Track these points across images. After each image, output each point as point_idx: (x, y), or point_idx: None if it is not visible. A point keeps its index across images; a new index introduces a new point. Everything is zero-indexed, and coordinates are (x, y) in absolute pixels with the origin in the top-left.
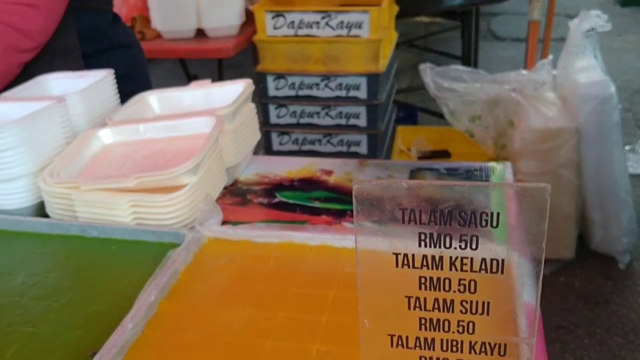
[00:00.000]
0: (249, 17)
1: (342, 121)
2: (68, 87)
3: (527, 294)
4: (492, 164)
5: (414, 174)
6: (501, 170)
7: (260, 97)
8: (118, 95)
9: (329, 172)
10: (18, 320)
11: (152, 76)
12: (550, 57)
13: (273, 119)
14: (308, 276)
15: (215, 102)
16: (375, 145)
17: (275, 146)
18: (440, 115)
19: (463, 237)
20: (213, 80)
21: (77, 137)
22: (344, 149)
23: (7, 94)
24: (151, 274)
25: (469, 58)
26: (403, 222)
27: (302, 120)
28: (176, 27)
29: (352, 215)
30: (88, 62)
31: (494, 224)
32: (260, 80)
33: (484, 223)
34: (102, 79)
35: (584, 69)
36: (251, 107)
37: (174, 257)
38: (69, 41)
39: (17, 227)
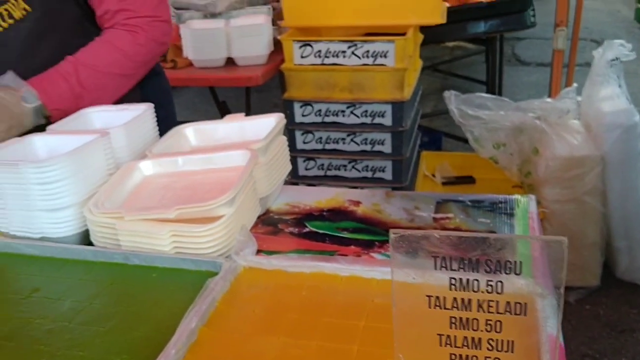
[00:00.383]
0: (277, 46)
1: (367, 147)
2: (109, 120)
3: (550, 327)
4: (517, 196)
5: (439, 205)
6: (525, 203)
7: (287, 124)
8: (157, 128)
9: (357, 203)
10: (67, 344)
11: (182, 100)
12: (575, 85)
13: (299, 145)
14: (339, 306)
15: (249, 134)
16: (400, 171)
17: (301, 171)
18: (465, 140)
19: (489, 283)
20: (240, 106)
21: (120, 168)
22: (369, 174)
23: (54, 126)
24: (190, 301)
25: (493, 83)
26: (435, 268)
27: (327, 146)
28: (207, 57)
29: (380, 246)
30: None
31: (518, 271)
32: (287, 107)
33: (508, 270)
34: (143, 113)
35: (609, 98)
36: (283, 140)
37: (212, 286)
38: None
39: (64, 255)
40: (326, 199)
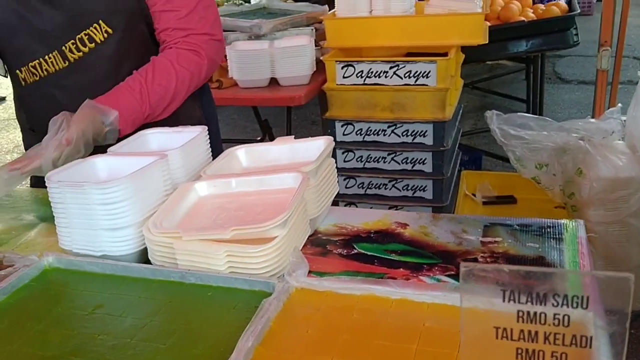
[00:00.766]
0: (320, 66)
1: (408, 166)
2: (166, 141)
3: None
4: (565, 221)
5: (487, 228)
6: (574, 228)
7: None
8: (210, 149)
9: (404, 225)
10: None
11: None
12: (619, 105)
13: (340, 163)
14: (390, 329)
15: (298, 156)
16: (440, 190)
17: (342, 189)
18: (505, 159)
19: (557, 316)
20: (280, 123)
21: (177, 189)
22: (409, 193)
23: (114, 148)
24: (244, 320)
25: (534, 101)
26: (504, 300)
27: (368, 165)
28: (251, 77)
29: (428, 269)
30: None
31: (585, 305)
32: (328, 126)
33: (575, 305)
34: (198, 135)
35: None
36: (331, 162)
37: (266, 306)
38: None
39: (124, 272)
40: (373, 221)
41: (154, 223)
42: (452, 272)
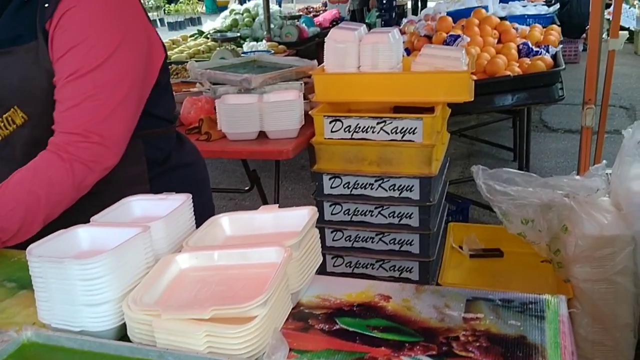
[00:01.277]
0: (308, 118)
1: (395, 220)
2: (150, 209)
3: None
4: (547, 296)
5: (470, 303)
6: (555, 305)
7: (316, 195)
8: (194, 218)
9: (387, 298)
10: None
11: (213, 166)
12: (604, 162)
13: (327, 216)
14: None
15: (283, 225)
16: (427, 245)
17: (329, 242)
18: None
19: None
20: (269, 170)
21: (158, 262)
22: (396, 247)
23: (97, 217)
24: None
25: (520, 150)
26: None
27: (355, 218)
28: (240, 130)
29: (410, 349)
30: (151, 184)
31: None
32: (316, 179)
33: None
34: (182, 204)
35: (639, 177)
36: (315, 233)
37: None
38: (140, 170)
39: (102, 349)
40: (356, 293)
41: (134, 299)
42: (434, 352)
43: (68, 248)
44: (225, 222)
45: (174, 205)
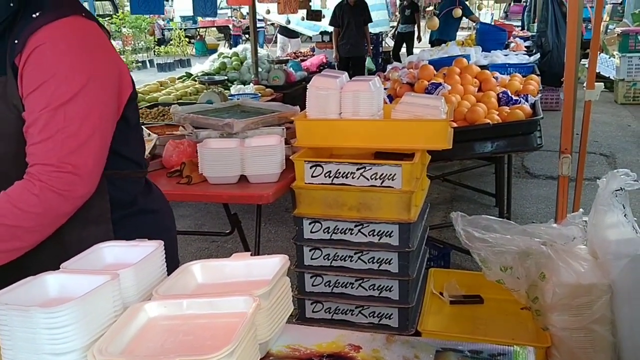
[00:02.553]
0: (289, 163)
1: (374, 266)
2: (121, 255)
3: None
4: (516, 348)
5: (439, 354)
6: (524, 356)
7: (296, 239)
8: (165, 265)
9: (357, 348)
10: None
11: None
12: (581, 210)
13: (307, 260)
14: None
15: (254, 273)
16: (406, 291)
17: (308, 287)
18: None
19: None
20: (251, 212)
21: (126, 310)
22: (375, 293)
23: (66, 264)
24: None
25: (502, 195)
26: None
27: (335, 263)
28: (221, 174)
29: None
30: (115, 226)
31: None
32: (296, 223)
33: None
34: (153, 252)
35: (614, 226)
36: (286, 282)
37: None
38: (102, 209)
39: None
40: (327, 342)
41: (99, 349)
42: None
43: (36, 295)
44: (197, 270)
45: (146, 252)
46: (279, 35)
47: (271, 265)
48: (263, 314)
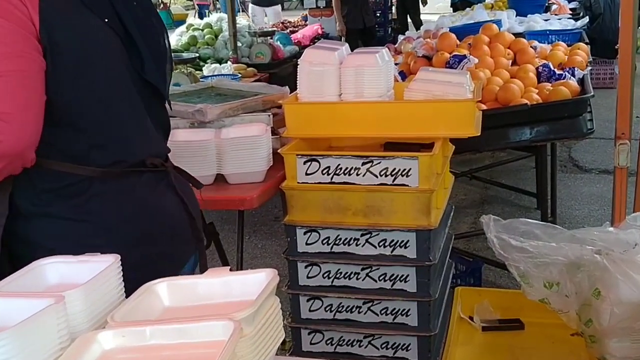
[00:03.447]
0: (278, 159)
1: (387, 285)
2: (67, 274)
3: None
4: None
5: None
6: None
7: (288, 253)
8: (122, 285)
9: None
10: None
11: None
12: None
13: (302, 280)
14: None
15: (235, 292)
16: (427, 315)
17: (304, 313)
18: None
19: None
20: (232, 222)
21: (74, 341)
22: (389, 318)
23: (2, 283)
24: None
25: (544, 195)
26: None
27: (337, 282)
28: (192, 173)
29: None
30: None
31: None
32: (288, 234)
33: None
34: (107, 268)
35: None
36: (275, 303)
37: None
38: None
39: None
40: None
41: None
42: None
43: None
44: (163, 290)
45: (98, 269)
46: (250, 5)
47: (256, 282)
48: (247, 343)
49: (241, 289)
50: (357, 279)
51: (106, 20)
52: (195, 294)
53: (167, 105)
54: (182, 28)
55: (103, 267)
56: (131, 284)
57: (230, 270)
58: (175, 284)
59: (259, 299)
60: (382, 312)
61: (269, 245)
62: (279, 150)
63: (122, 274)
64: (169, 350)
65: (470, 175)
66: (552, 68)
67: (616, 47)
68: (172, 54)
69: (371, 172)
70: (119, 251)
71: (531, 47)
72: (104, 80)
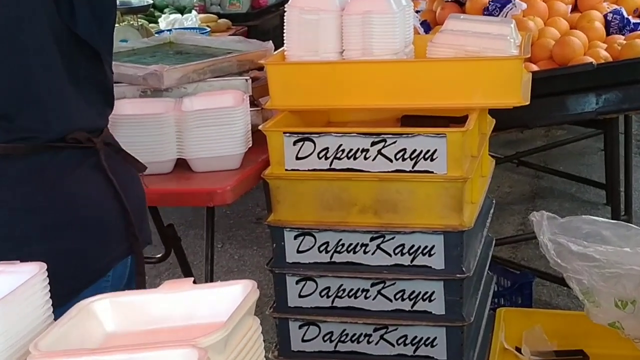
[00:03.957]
0: (259, 138)
1: (406, 305)
2: None
3: None
4: None
5: None
6: None
7: (274, 264)
8: (50, 302)
9: None
10: None
11: None
12: None
13: (292, 300)
14: None
15: (201, 310)
16: (459, 345)
17: (295, 344)
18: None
19: None
20: (198, 224)
21: None
22: (409, 350)
23: None
24: None
25: (616, 185)
26: None
27: (339, 303)
28: (145, 158)
29: None
30: None
31: None
32: (274, 238)
33: None
34: (31, 280)
35: None
36: (254, 326)
37: None
38: None
39: None
40: None
41: None
42: None
43: None
44: (103, 309)
45: (18, 281)
46: None
47: (228, 298)
48: None
49: (209, 308)
50: (366, 297)
51: None
52: (146, 315)
53: (106, 66)
54: None
55: (24, 278)
56: None
57: (195, 282)
58: (121, 301)
59: (232, 320)
60: (400, 342)
61: (249, 256)
62: (260, 127)
63: (49, 288)
64: None
65: (518, 160)
66: (626, 15)
67: None
68: (119, 3)
69: (384, 155)
70: (19, 244)
71: None
72: (3, 25)
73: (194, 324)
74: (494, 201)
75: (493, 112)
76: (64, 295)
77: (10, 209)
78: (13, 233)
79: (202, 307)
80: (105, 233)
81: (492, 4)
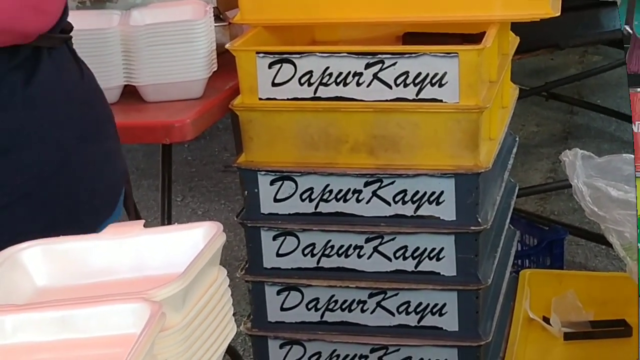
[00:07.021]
0: (226, 61)
1: (408, 264)
2: None
3: None
4: None
5: None
6: None
7: (246, 216)
8: None
9: None
10: None
11: None
12: None
13: (269, 261)
14: None
15: (153, 261)
16: (473, 313)
17: (273, 315)
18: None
19: None
20: (152, 169)
21: None
22: (412, 320)
23: None
24: None
25: None
26: None
27: (325, 263)
28: None
29: None
30: None
31: None
32: (245, 182)
33: None
34: None
35: None
36: (219, 277)
37: None
38: None
39: None
40: None
41: None
42: None
43: None
44: (34, 258)
45: None
46: None
47: (187, 245)
48: (174, 339)
49: (164, 256)
50: (360, 256)
51: None
52: (87, 266)
53: None
54: None
55: None
56: None
57: (145, 226)
58: (55, 249)
59: (192, 269)
60: (402, 309)
61: (215, 211)
62: (227, 46)
63: None
64: (44, 353)
65: (547, 93)
66: None
67: None
68: None
69: (381, 80)
70: None
71: None
72: None
73: (145, 276)
74: (517, 139)
75: (516, 28)
76: None
77: None
78: None
79: (155, 256)
80: None
81: None
